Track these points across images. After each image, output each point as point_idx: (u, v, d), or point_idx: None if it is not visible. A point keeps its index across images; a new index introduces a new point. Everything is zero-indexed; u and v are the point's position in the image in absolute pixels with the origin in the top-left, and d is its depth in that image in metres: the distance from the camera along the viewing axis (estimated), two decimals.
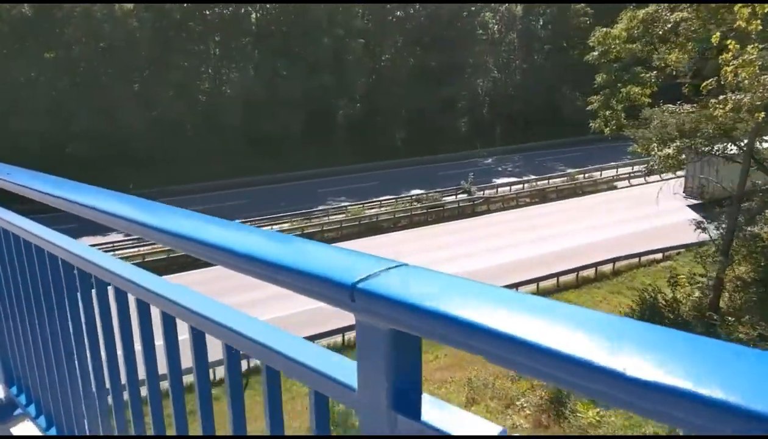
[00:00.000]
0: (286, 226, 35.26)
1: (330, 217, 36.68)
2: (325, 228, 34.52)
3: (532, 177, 45.29)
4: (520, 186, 43.09)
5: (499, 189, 42.37)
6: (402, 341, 0.90)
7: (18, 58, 42.05)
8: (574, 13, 57.72)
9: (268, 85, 49.03)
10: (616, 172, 46.13)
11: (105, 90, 43.54)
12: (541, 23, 57.99)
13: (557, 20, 57.73)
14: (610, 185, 44.19)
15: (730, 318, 15.22)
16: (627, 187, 44.57)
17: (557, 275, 27.68)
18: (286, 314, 22.67)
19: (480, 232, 34.36)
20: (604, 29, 19.28)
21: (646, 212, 36.96)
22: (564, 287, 27.72)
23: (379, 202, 38.28)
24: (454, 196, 40.53)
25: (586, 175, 45.58)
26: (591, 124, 21.18)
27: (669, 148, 19.35)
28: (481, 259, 30.38)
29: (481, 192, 41.47)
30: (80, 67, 44.82)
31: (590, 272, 28.71)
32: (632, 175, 45.96)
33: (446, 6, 52.45)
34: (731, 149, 18.42)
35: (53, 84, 43.12)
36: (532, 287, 27.05)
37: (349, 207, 37.47)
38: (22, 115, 40.34)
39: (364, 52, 50.17)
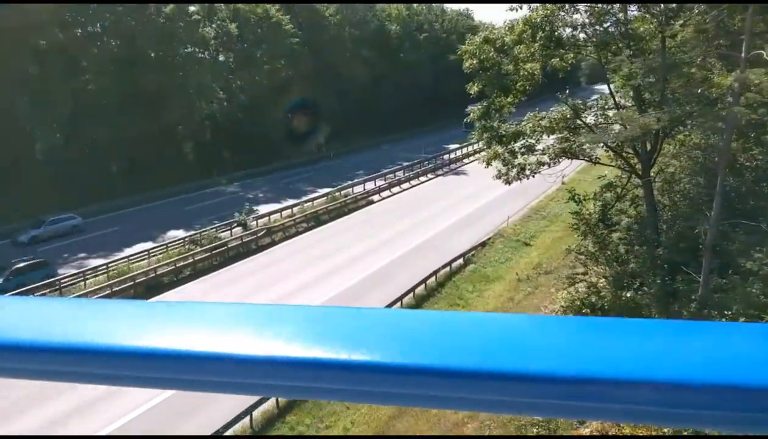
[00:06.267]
0: None
1: (87, 282, 27.51)
2: (91, 297, 25.59)
3: (292, 201, 42.81)
4: (289, 211, 40.20)
5: (271, 217, 38.66)
6: None
7: None
8: (285, 34, 57.17)
9: None
10: (364, 187, 47.20)
11: None
12: (259, 38, 55.69)
13: (269, 39, 56.29)
14: (368, 200, 44.89)
15: None
16: (381, 200, 46.04)
17: (400, 298, 26.25)
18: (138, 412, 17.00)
19: (280, 268, 30.49)
20: (482, 35, 18.53)
21: (422, 217, 38.82)
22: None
23: (147, 253, 30.49)
24: (229, 232, 35.21)
25: (342, 192, 45.42)
26: (472, 136, 20.27)
27: (544, 153, 19.81)
28: (300, 301, 26.88)
29: (255, 222, 37.18)
30: None
31: (421, 289, 28.13)
32: (381, 188, 47.84)
33: (155, 19, 45.58)
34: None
35: None
36: None
37: (109, 265, 28.77)
38: None
39: (66, 69, 39.85)
